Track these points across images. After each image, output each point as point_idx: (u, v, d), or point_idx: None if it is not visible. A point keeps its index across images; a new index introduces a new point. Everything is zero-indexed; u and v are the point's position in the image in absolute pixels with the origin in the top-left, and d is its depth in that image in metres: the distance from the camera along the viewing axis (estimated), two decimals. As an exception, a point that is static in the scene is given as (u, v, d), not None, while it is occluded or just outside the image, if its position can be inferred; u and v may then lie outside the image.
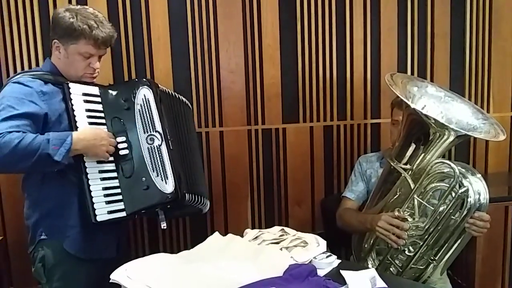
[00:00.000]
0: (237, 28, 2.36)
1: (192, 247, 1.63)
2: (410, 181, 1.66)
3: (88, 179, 1.61)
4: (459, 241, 1.64)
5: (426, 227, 1.61)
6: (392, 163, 1.75)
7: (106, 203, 1.63)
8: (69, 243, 1.65)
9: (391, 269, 1.78)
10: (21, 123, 1.49)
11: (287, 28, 2.39)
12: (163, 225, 1.71)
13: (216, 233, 1.70)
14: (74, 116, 1.62)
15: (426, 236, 1.63)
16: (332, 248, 1.60)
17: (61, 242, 1.65)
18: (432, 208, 1.61)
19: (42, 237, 1.65)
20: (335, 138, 2.51)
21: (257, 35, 2.37)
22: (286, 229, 1.70)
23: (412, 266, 1.70)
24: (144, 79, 1.76)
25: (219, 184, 2.45)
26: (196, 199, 1.82)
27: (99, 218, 1.61)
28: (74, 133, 1.55)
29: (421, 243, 1.65)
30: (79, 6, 1.69)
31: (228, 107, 2.41)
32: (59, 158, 1.48)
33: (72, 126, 1.61)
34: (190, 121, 2.05)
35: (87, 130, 1.61)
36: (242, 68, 2.39)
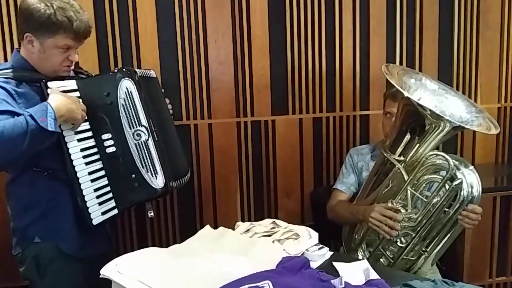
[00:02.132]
0: (226, 19, 2.32)
1: (182, 241, 1.60)
2: (403, 173, 1.66)
3: (79, 184, 1.56)
4: (450, 233, 1.65)
5: (419, 218, 1.62)
6: (386, 155, 1.75)
7: (99, 205, 1.61)
8: (66, 244, 1.61)
9: (381, 260, 1.79)
10: (1, 117, 1.37)
11: (276, 19, 2.37)
12: (151, 213, 1.71)
13: (207, 226, 1.68)
14: None
15: (419, 228, 1.63)
16: (321, 240, 1.59)
17: (56, 243, 1.59)
18: (426, 200, 1.62)
19: (36, 240, 1.58)
20: (324, 130, 2.50)
21: (246, 26, 2.34)
22: (278, 221, 1.69)
23: (404, 257, 1.71)
24: (124, 69, 1.66)
25: (208, 177, 2.43)
26: (181, 182, 1.85)
27: (95, 222, 1.59)
28: (49, 101, 1.42)
29: (413, 235, 1.65)
30: None
31: (217, 99, 2.38)
32: (51, 127, 1.37)
33: None
34: (159, 92, 1.93)
35: (59, 96, 1.47)
36: (231, 59, 2.36)
